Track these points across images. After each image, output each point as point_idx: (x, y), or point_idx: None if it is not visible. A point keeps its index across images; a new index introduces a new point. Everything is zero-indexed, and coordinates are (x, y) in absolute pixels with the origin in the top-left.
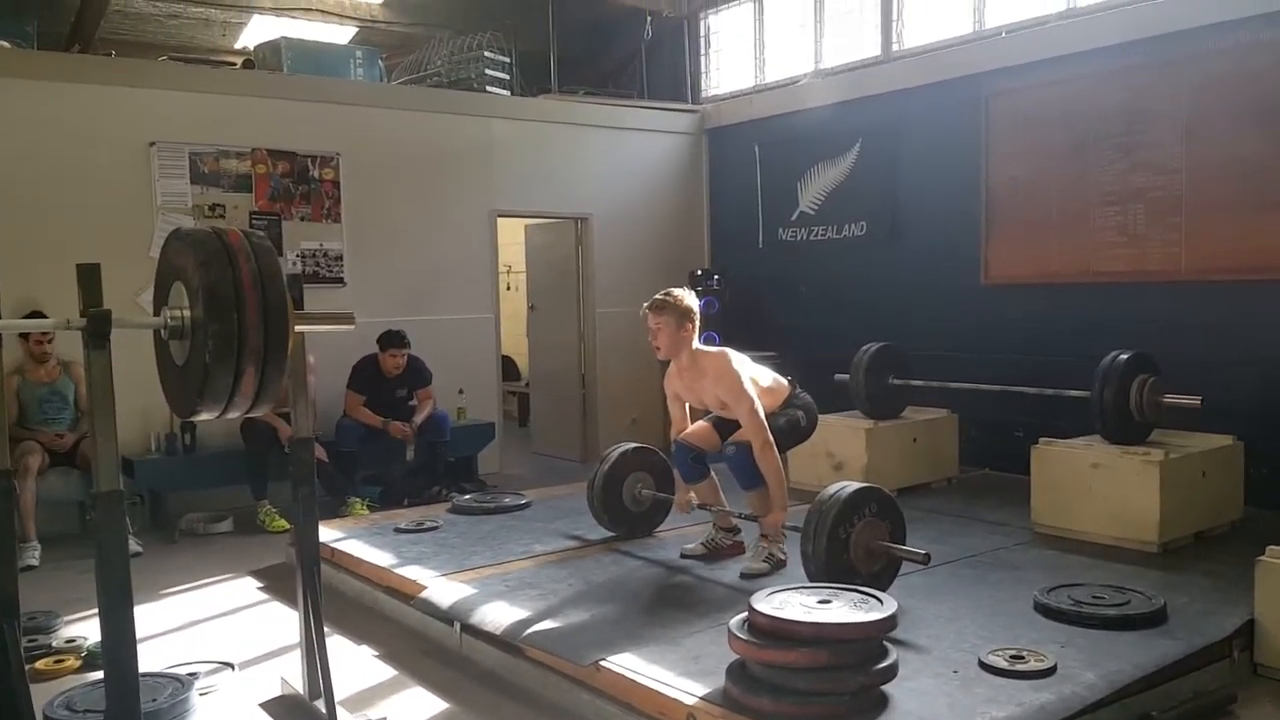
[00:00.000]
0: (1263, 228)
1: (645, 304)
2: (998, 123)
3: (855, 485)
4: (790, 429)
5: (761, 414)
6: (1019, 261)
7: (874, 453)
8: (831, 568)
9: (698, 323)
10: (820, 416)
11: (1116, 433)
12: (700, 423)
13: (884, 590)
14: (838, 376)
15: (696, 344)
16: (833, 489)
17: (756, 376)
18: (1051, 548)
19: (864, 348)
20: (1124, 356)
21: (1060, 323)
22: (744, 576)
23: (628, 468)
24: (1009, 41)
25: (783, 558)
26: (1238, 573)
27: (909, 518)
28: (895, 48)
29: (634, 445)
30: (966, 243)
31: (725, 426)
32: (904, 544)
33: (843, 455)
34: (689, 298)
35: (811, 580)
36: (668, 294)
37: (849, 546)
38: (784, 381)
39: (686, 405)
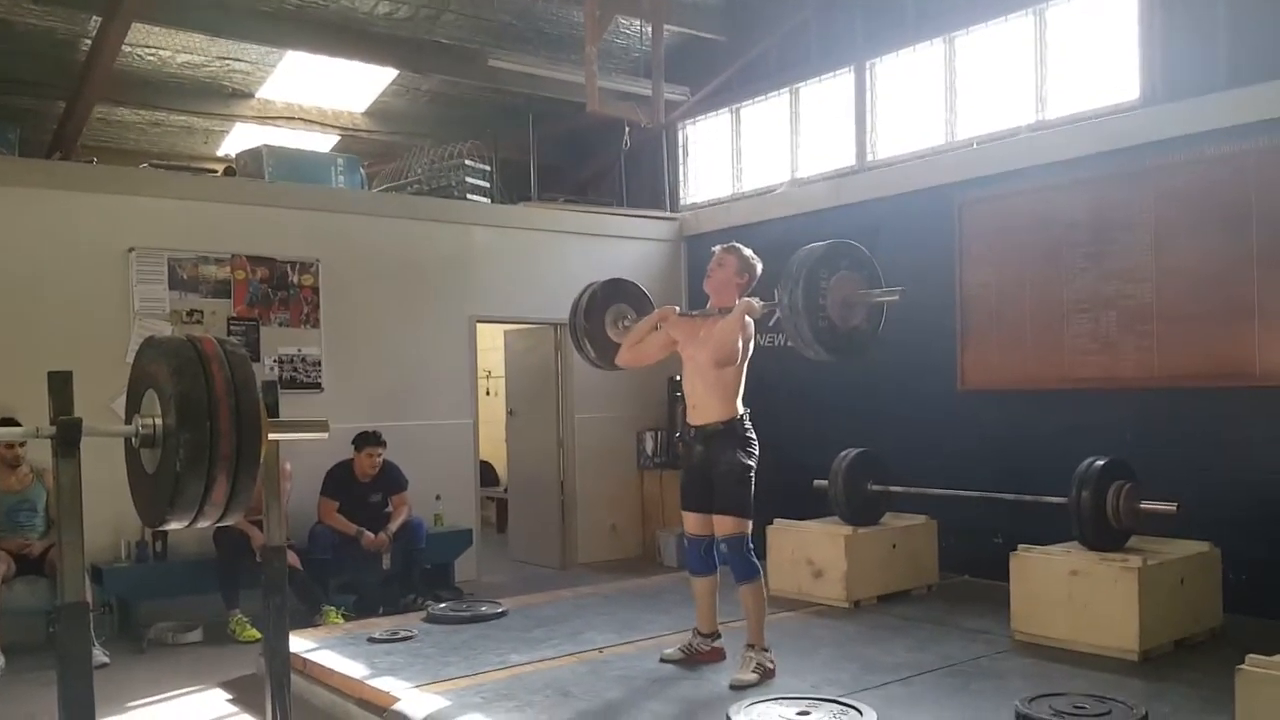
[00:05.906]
0: (1232, 335)
1: (719, 246)
2: (970, 231)
3: (804, 268)
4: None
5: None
6: (994, 368)
7: (853, 559)
8: (825, 342)
9: (751, 283)
10: (799, 523)
11: (1094, 539)
12: (688, 514)
13: (875, 335)
14: (816, 482)
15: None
16: (786, 293)
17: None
18: (1032, 656)
19: (842, 454)
20: (1100, 463)
21: (1036, 429)
22: (733, 687)
23: (609, 299)
24: (980, 152)
25: (771, 667)
26: (1219, 681)
27: (889, 625)
28: (869, 157)
29: (608, 279)
30: (942, 349)
31: (706, 503)
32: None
33: (822, 562)
34: (757, 259)
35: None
36: (741, 246)
37: (833, 324)
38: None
39: (665, 348)
